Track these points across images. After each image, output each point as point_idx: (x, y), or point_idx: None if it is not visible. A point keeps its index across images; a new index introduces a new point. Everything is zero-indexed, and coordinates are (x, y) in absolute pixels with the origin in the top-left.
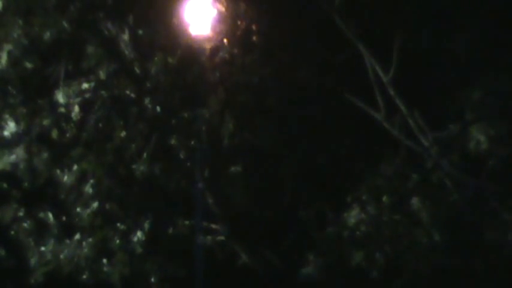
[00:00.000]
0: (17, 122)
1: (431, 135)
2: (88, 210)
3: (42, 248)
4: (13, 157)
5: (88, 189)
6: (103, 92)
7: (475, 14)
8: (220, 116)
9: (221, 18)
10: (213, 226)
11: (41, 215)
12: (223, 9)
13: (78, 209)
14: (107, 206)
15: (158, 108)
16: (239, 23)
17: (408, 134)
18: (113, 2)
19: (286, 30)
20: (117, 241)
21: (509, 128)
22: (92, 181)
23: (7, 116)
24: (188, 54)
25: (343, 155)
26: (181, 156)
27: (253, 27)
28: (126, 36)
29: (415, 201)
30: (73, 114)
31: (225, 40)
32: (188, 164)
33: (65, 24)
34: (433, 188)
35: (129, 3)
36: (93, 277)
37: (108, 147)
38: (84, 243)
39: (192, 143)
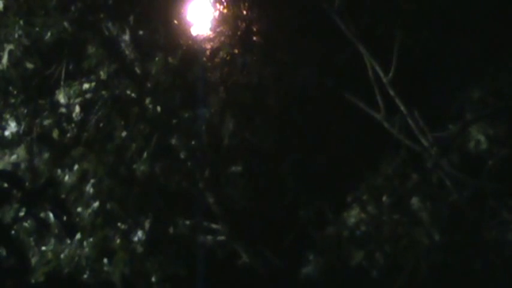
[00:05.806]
0: (18, 122)
1: (431, 135)
2: (89, 210)
3: (43, 248)
4: (14, 157)
5: (89, 189)
6: (104, 92)
7: (475, 14)
8: (220, 116)
9: (222, 19)
10: (213, 226)
11: (42, 214)
12: (224, 9)
13: (79, 209)
14: (108, 206)
15: (159, 108)
16: (240, 23)
17: (408, 134)
18: (113, 3)
19: (286, 30)
20: (118, 241)
21: (509, 128)
22: (92, 181)
23: (8, 116)
24: (189, 54)
25: (343, 155)
26: (182, 156)
27: (254, 27)
28: (126, 37)
29: (415, 201)
30: (74, 114)
31: (225, 40)
32: (188, 164)
33: (66, 24)
34: (433, 188)
35: (130, 4)
36: (94, 277)
37: (109, 147)
38: (85, 242)
39: (193, 143)
